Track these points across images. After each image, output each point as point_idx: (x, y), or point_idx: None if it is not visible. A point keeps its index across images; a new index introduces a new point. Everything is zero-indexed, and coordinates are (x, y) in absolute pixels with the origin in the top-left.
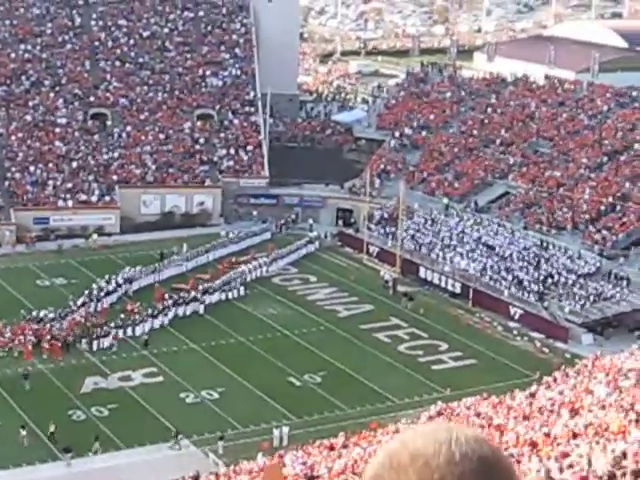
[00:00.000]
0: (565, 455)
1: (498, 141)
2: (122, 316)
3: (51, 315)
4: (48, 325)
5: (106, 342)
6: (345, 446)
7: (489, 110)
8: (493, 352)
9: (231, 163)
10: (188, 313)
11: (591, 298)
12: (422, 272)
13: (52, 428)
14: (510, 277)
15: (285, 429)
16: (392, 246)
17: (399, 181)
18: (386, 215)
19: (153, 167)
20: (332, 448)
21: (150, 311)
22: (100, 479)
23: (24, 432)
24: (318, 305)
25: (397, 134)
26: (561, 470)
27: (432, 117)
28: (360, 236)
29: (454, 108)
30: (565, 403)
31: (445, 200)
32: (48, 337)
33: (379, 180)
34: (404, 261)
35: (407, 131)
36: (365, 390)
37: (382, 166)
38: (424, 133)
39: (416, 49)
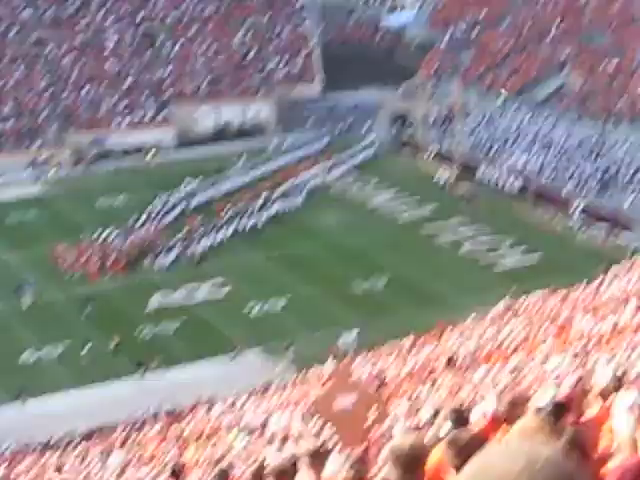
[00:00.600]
0: (635, 346)
1: (551, 34)
2: (184, 231)
3: (113, 234)
4: (110, 244)
5: (170, 258)
6: (413, 348)
7: (540, 4)
8: (557, 248)
9: (284, 72)
10: (249, 225)
11: None
12: (480, 171)
13: (116, 340)
14: (570, 171)
15: (353, 333)
16: (449, 147)
17: (454, 80)
18: (442, 116)
19: (206, 81)
20: (400, 351)
21: (212, 224)
22: (174, 393)
23: (89, 346)
24: (379, 209)
25: (449, 33)
26: (629, 360)
27: (483, 14)
28: (417, 138)
29: (505, 3)
30: (631, 293)
31: (502, 95)
32: (111, 256)
33: (433, 81)
34: (462, 161)
35: (458, 29)
36: (430, 292)
37: (435, 66)
38: (476, 30)
39: None
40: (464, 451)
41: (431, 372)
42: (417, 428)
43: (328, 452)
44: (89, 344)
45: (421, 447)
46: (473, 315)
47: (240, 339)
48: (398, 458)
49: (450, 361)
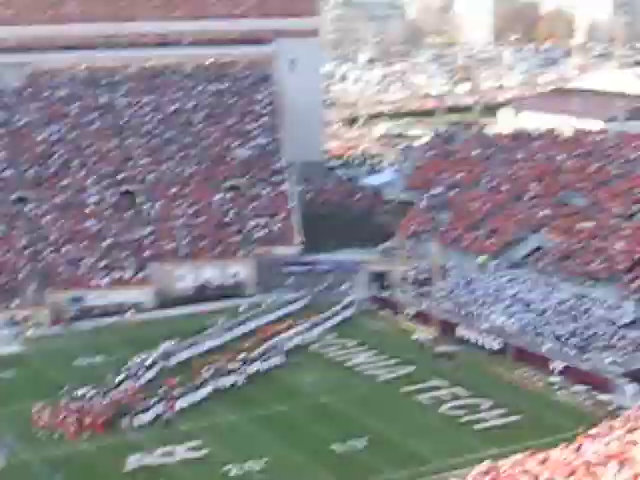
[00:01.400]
0: None
1: (528, 195)
2: (162, 391)
3: (91, 393)
4: (89, 404)
5: (147, 418)
6: None
7: (517, 165)
8: (537, 408)
9: (263, 233)
10: (228, 385)
11: (631, 348)
12: (460, 331)
13: None
14: (548, 331)
15: None
16: (428, 307)
17: (432, 241)
18: (421, 276)
19: (185, 241)
20: None
21: (190, 384)
22: None
23: None
24: (358, 370)
25: (427, 194)
26: None
27: (461, 175)
28: (396, 298)
29: (482, 165)
30: (612, 455)
31: (481, 258)
32: (89, 416)
33: (412, 241)
34: (441, 321)
35: (437, 191)
36: (410, 453)
37: (414, 227)
38: (454, 192)
39: (441, 109)
40: None
41: None
42: None
43: None
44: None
45: None
46: (454, 477)
47: None
48: None
49: None
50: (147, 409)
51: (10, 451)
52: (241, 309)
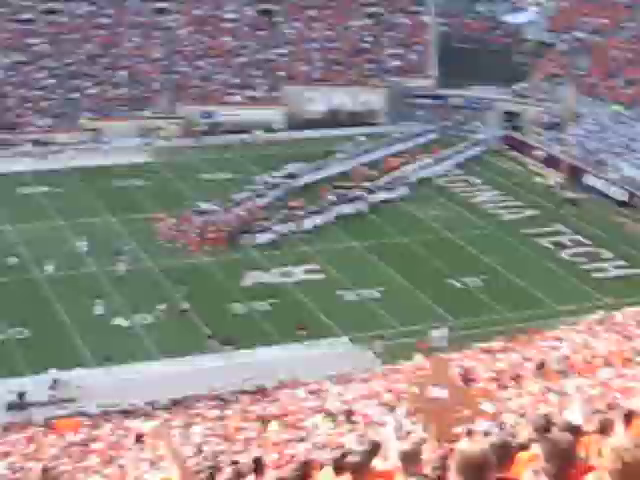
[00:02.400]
0: None
1: None
2: (285, 212)
3: (215, 208)
4: (212, 218)
5: (269, 237)
6: (503, 350)
7: None
8: None
9: (398, 62)
10: (351, 211)
11: None
12: (587, 179)
13: (185, 306)
14: None
15: (444, 330)
16: (558, 151)
17: (567, 85)
18: (553, 120)
19: (320, 64)
20: (490, 352)
21: (315, 207)
22: (259, 372)
23: (163, 307)
24: (481, 208)
25: (568, 37)
26: None
27: (604, 21)
28: (526, 140)
29: (627, 12)
30: None
31: (615, 106)
32: (212, 229)
33: (547, 84)
34: (570, 167)
35: (578, 35)
36: (525, 295)
37: (551, 69)
38: (596, 37)
39: None
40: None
41: (518, 376)
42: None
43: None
44: (164, 305)
45: (488, 455)
46: (566, 323)
47: (330, 325)
48: (465, 464)
49: (540, 366)
50: (269, 228)
51: (132, 258)
52: (362, 139)
